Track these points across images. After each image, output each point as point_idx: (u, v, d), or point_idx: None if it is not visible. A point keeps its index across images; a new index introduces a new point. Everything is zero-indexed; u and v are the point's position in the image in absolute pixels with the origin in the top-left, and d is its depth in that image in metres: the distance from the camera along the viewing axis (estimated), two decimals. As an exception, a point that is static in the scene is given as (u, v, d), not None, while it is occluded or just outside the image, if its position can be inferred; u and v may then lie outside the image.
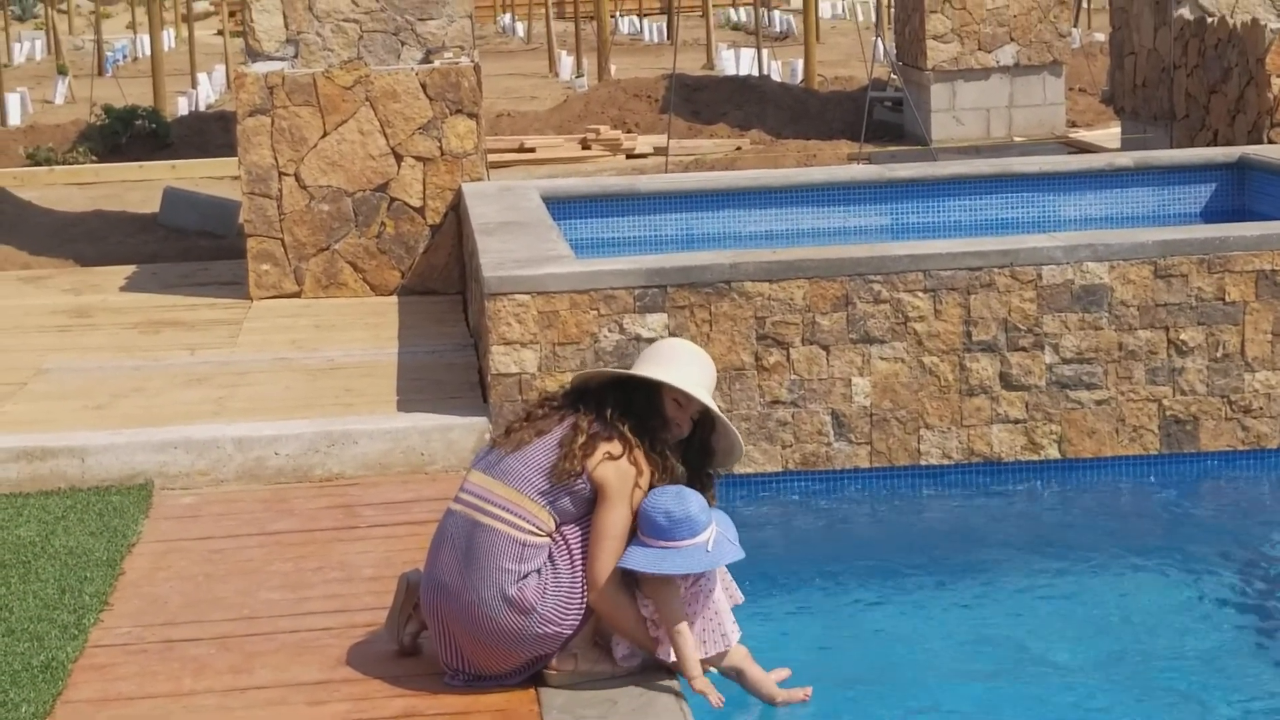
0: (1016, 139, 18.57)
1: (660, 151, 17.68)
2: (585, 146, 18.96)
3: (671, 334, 8.06)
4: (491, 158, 14.23)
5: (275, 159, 11.17)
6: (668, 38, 34.55)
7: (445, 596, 5.52)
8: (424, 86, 11.24)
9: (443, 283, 11.24)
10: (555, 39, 31.42)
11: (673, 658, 5.52)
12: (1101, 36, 27.05)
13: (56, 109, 25.00)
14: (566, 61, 29.27)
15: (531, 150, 18.74)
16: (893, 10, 21.40)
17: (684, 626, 5.47)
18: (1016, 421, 8.33)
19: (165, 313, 10.94)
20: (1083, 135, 18.24)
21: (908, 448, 8.30)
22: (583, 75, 27.00)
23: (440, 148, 11.24)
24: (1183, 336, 8.36)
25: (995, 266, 8.28)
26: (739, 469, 8.08)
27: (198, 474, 7.92)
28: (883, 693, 6.28)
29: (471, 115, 11.27)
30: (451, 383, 8.88)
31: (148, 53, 27.40)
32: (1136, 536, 7.99)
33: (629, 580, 5.50)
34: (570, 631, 5.50)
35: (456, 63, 11.31)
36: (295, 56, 11.27)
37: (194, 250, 13.27)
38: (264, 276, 11.21)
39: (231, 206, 13.81)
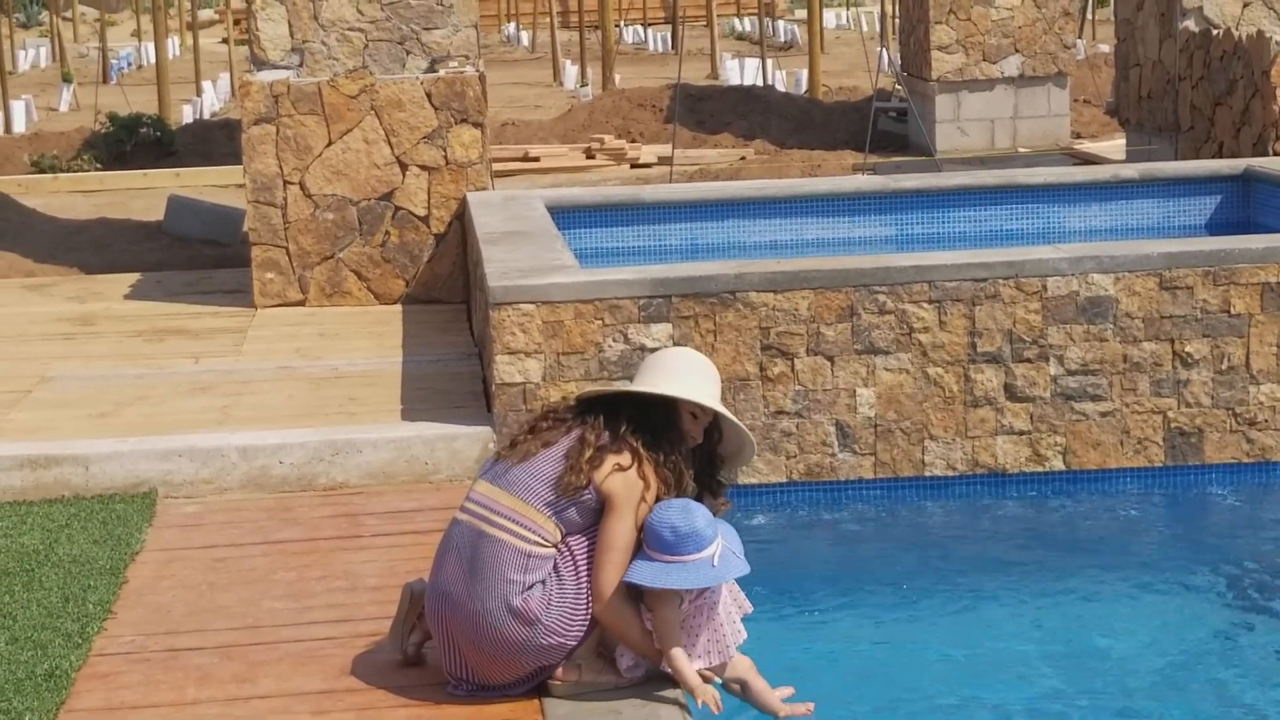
0: (1021, 150, 18.57)
1: (664, 161, 17.68)
2: (589, 156, 18.96)
3: (676, 344, 8.05)
4: (495, 167, 14.23)
5: (280, 167, 11.17)
6: (672, 47, 34.56)
7: (450, 606, 5.51)
8: (429, 95, 11.24)
9: (447, 292, 11.24)
10: (560, 48, 31.43)
11: (677, 670, 5.51)
12: (1106, 48, 27.05)
13: (61, 116, 25.02)
14: (571, 71, 29.28)
15: (536, 159, 18.75)
16: (897, 21, 21.41)
17: (679, 651, 5.45)
18: (1021, 433, 8.32)
19: (169, 321, 10.94)
20: (1087, 147, 18.23)
21: (912, 459, 8.29)
22: (587, 84, 27.00)
23: (445, 157, 11.24)
24: (1188, 349, 8.36)
25: (1000, 278, 8.28)
26: (743, 479, 8.08)
27: (201, 482, 7.91)
28: (886, 705, 6.28)
29: (476, 124, 11.27)
30: (456, 392, 8.88)
31: (152, 60, 27.42)
32: (1141, 549, 7.98)
33: (634, 592, 5.49)
34: (574, 642, 5.49)
35: (461, 72, 11.32)
36: (300, 65, 11.28)
37: (198, 258, 13.27)
38: (268, 285, 11.21)
39: (236, 215, 13.81)
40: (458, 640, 5.52)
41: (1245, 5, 14.36)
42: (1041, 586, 7.49)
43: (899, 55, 20.17)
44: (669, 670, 5.52)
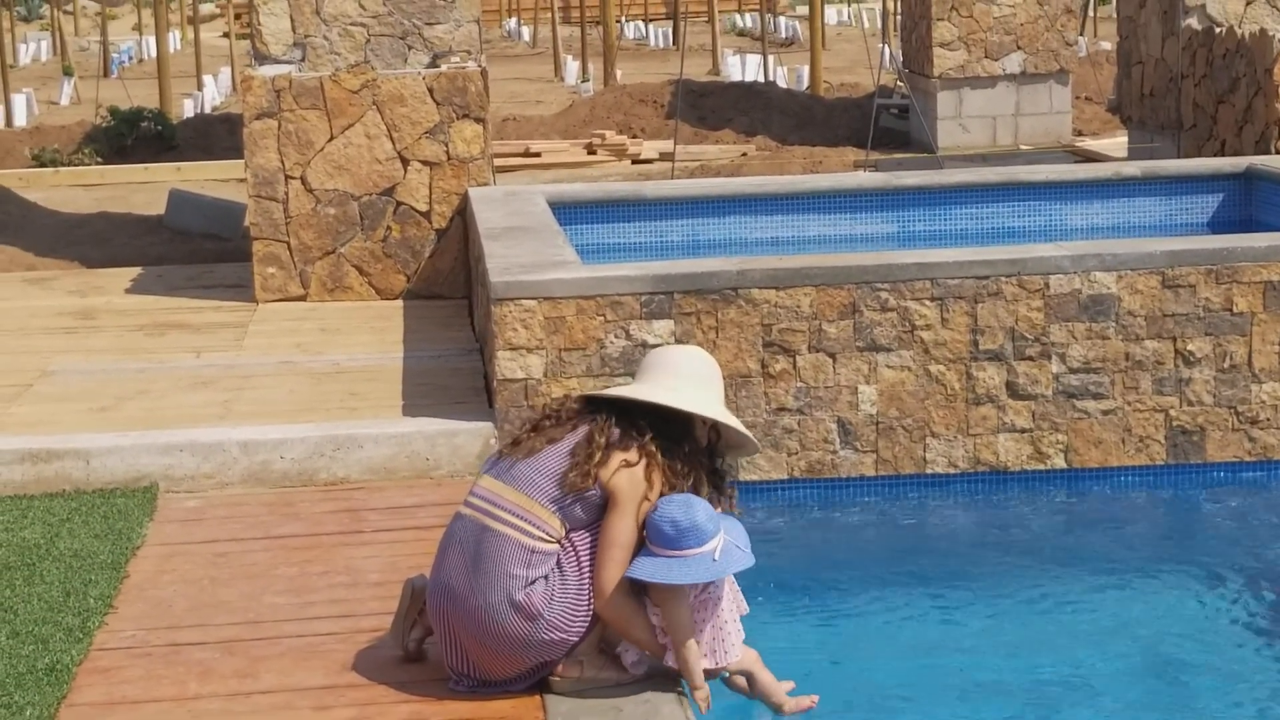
0: (1023, 147, 18.57)
1: (666, 157, 17.68)
2: (591, 151, 18.96)
3: (678, 341, 8.05)
4: (496, 162, 14.23)
5: (282, 162, 11.17)
6: (673, 43, 34.56)
7: (452, 600, 5.51)
8: (431, 91, 11.24)
9: (448, 287, 11.23)
10: (561, 44, 31.43)
11: (682, 665, 5.51)
12: (1108, 45, 27.04)
13: (62, 110, 25.01)
14: (572, 66, 29.27)
15: (537, 155, 18.75)
16: (899, 17, 21.40)
17: (692, 644, 5.46)
18: (1023, 431, 8.32)
19: (170, 315, 10.94)
20: (1089, 144, 18.23)
21: (914, 456, 8.29)
22: (588, 80, 27.00)
23: (447, 152, 11.24)
24: (1190, 347, 8.35)
25: (1003, 275, 8.27)
26: (744, 475, 8.08)
27: (203, 477, 7.91)
28: (887, 699, 6.28)
29: (478, 120, 11.27)
30: (457, 388, 8.87)
31: (153, 54, 27.41)
32: (1142, 547, 7.98)
33: (637, 587, 5.49)
34: (576, 638, 5.49)
35: (464, 67, 11.31)
36: (302, 60, 11.27)
37: (199, 253, 13.27)
38: (269, 280, 11.21)
39: (237, 209, 13.81)
40: (459, 635, 5.52)
41: (1248, 3, 14.35)
42: (1042, 584, 7.48)
43: (901, 52, 20.16)
44: (673, 666, 5.52)
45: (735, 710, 5.77)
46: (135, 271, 12.44)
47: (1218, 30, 14.12)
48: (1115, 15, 17.86)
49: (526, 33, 39.71)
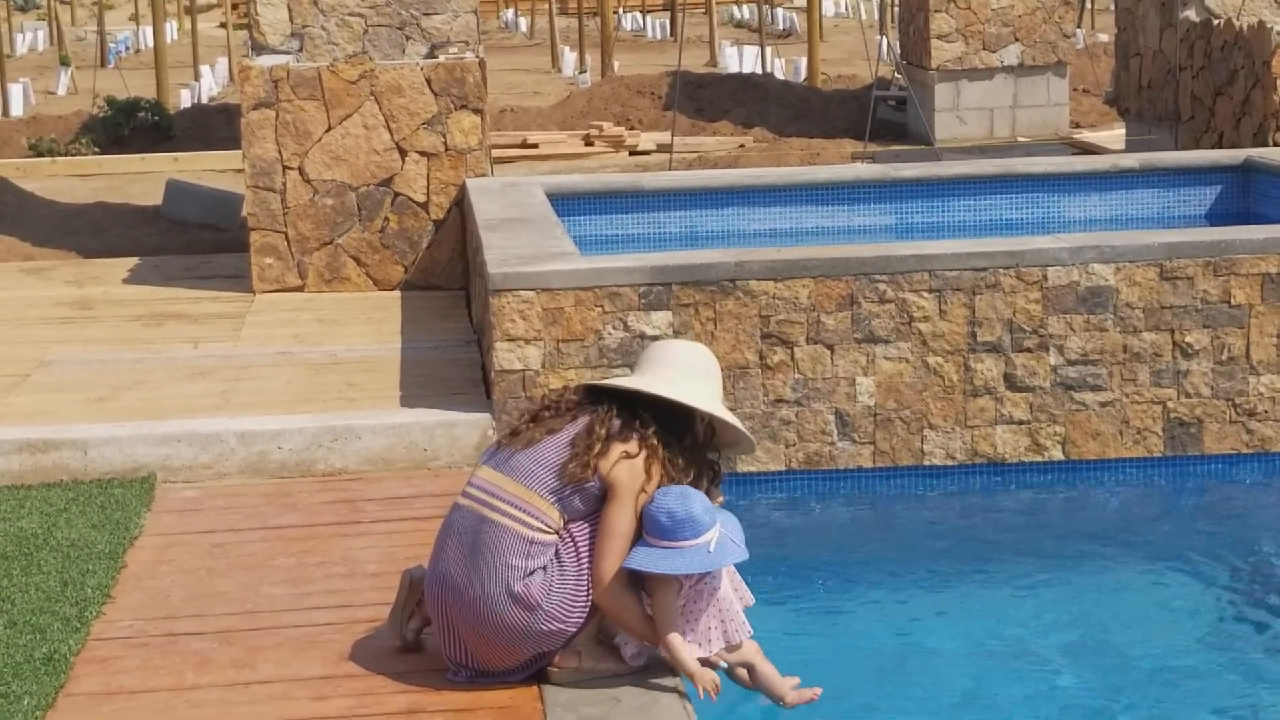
0: (1020, 139, 18.56)
1: (663, 148, 17.67)
2: (588, 143, 18.95)
3: (676, 332, 8.05)
4: (494, 153, 14.21)
5: (279, 152, 11.16)
6: (671, 34, 34.54)
7: (450, 591, 5.51)
8: (429, 81, 11.23)
9: (446, 278, 11.23)
10: (558, 35, 31.40)
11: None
12: (1105, 37, 27.03)
13: (59, 100, 24.99)
14: (569, 57, 29.25)
15: (534, 146, 18.73)
16: (896, 9, 21.38)
17: (675, 636, 5.46)
18: (1020, 423, 8.32)
19: (168, 305, 10.93)
20: (1086, 136, 18.22)
21: (911, 448, 8.29)
22: (586, 71, 26.98)
23: (445, 143, 11.23)
24: (1188, 339, 8.35)
25: (1001, 267, 8.27)
26: (742, 467, 8.08)
27: (200, 467, 7.91)
28: (886, 691, 6.28)
29: (476, 111, 11.26)
30: (454, 379, 8.87)
31: (150, 44, 27.37)
32: (1140, 539, 7.99)
33: (635, 579, 5.49)
34: (574, 629, 5.49)
35: (461, 58, 11.30)
36: (300, 50, 11.26)
37: (196, 243, 13.25)
38: (267, 270, 11.20)
39: (234, 199, 13.80)
40: (457, 625, 5.51)
41: (1246, -5, 14.35)
42: (1040, 576, 7.49)
43: (898, 44, 20.16)
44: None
45: (738, 703, 5.77)
46: (132, 262, 12.43)
47: (1216, 22, 14.11)
48: (1113, 7, 17.87)
49: (524, 24, 39.70)
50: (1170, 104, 14.85)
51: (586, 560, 5.46)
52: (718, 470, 5.76)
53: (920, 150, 17.19)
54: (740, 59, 27.42)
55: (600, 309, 8.09)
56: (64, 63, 27.68)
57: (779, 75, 24.34)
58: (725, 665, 5.64)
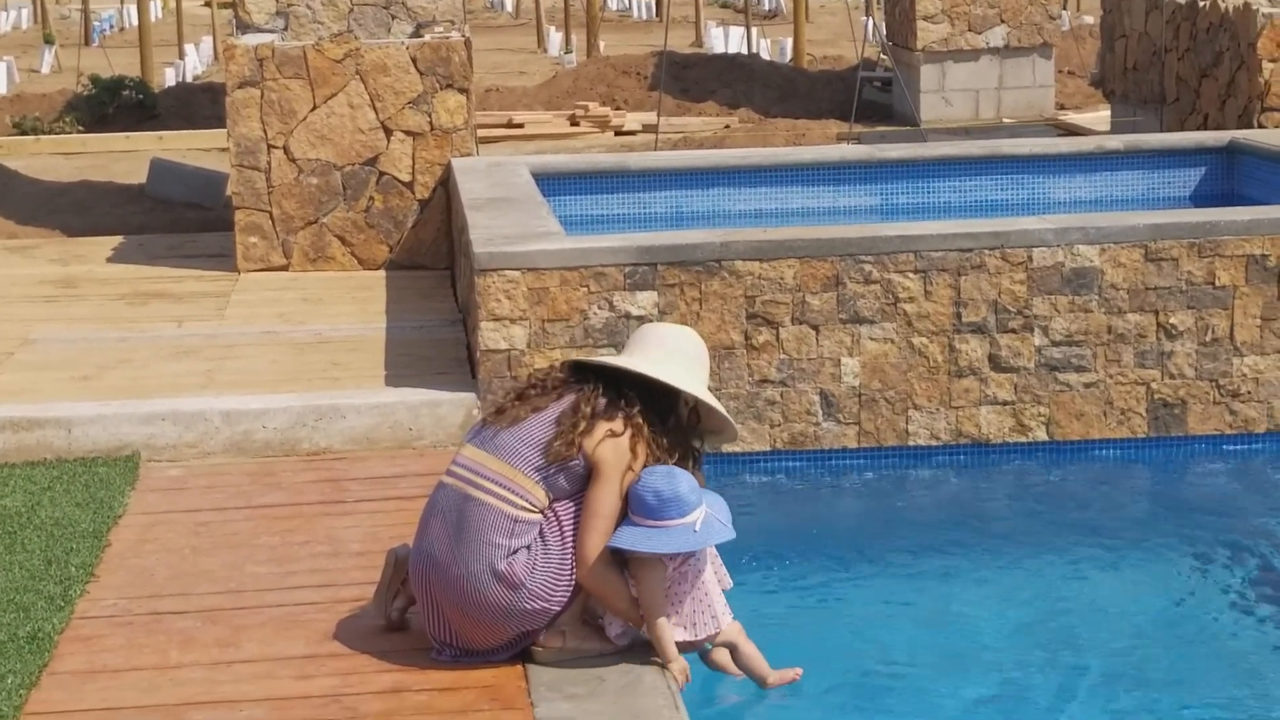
0: (1005, 121, 18.56)
1: (649, 129, 17.64)
2: (574, 123, 18.91)
3: (661, 312, 8.05)
4: (479, 133, 14.19)
5: (264, 131, 11.13)
6: (656, 14, 34.49)
7: (434, 569, 5.51)
8: (414, 61, 11.20)
9: (431, 258, 11.21)
10: (544, 14, 31.34)
11: (661, 636, 5.51)
12: (1090, 19, 27.03)
13: (43, 78, 24.90)
14: (555, 37, 29.19)
15: (520, 126, 18.69)
16: (883, -10, 21.34)
17: (663, 621, 5.46)
18: (1005, 403, 8.33)
19: (152, 284, 10.91)
20: (1072, 118, 18.22)
21: (896, 428, 8.30)
22: (571, 51, 26.92)
23: (430, 122, 11.21)
24: (1172, 320, 8.37)
25: (986, 248, 8.28)
26: (727, 448, 8.07)
27: (185, 446, 7.90)
28: (868, 671, 6.29)
29: (462, 90, 11.24)
30: (439, 358, 8.87)
31: (135, 23, 27.31)
32: (1123, 519, 8.00)
33: (619, 559, 5.49)
34: (559, 608, 5.49)
35: (447, 37, 11.28)
36: (285, 29, 11.23)
37: (181, 222, 13.22)
38: (251, 249, 11.18)
39: (218, 178, 13.77)
40: (441, 604, 5.52)
41: (1232, -23, 14.34)
42: (1023, 556, 7.50)
43: (884, 24, 20.14)
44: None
45: (716, 682, 5.78)
46: (117, 240, 12.40)
47: (1201, 4, 14.11)
48: (1099, -11, 17.85)
49: (509, 3, 39.60)
50: (1155, 86, 14.86)
51: (570, 539, 5.47)
52: (699, 454, 5.77)
53: (906, 131, 17.18)
54: (726, 39, 27.38)
55: (585, 289, 8.08)
56: (48, 41, 27.57)
57: (765, 56, 24.30)
58: (708, 645, 5.65)
